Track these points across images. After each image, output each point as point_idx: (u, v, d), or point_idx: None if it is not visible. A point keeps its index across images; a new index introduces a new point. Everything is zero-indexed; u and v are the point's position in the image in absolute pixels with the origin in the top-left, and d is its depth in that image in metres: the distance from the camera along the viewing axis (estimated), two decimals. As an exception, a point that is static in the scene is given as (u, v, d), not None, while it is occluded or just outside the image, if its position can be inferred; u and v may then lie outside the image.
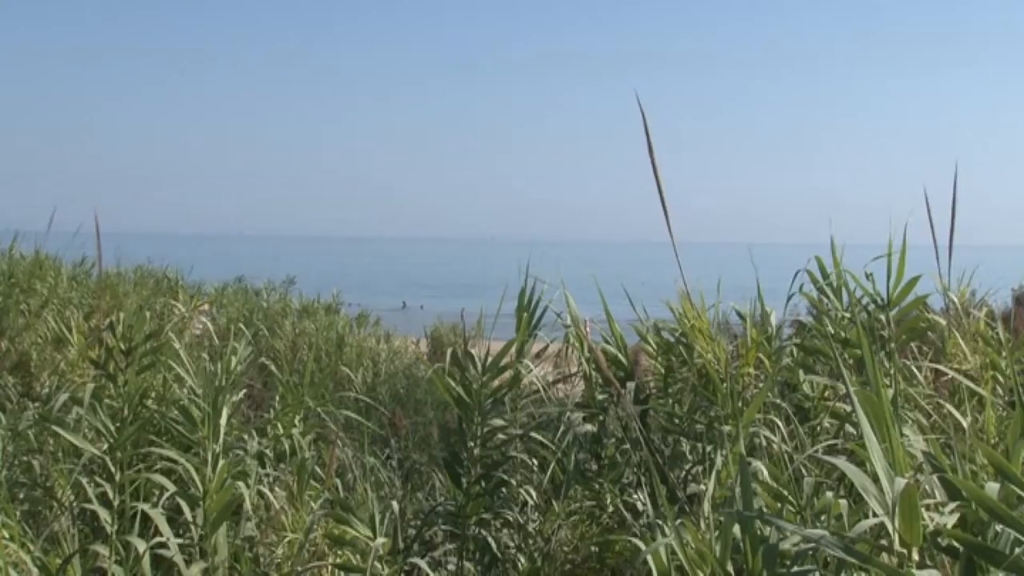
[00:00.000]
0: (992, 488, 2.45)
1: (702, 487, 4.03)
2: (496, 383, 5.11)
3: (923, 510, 2.49)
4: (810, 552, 2.66)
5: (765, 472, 3.45)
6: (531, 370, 5.16)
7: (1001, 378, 4.36)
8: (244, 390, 5.31)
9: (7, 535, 3.69)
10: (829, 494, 3.16)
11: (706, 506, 3.36)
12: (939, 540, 2.46)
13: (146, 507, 4.08)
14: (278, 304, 12.75)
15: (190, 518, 4.12)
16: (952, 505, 2.48)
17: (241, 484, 4.26)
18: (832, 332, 4.69)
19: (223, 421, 4.37)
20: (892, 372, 4.28)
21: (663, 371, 5.02)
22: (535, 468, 5.10)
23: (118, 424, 4.41)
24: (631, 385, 5.03)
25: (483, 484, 4.95)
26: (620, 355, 5.28)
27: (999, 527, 2.42)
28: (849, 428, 4.36)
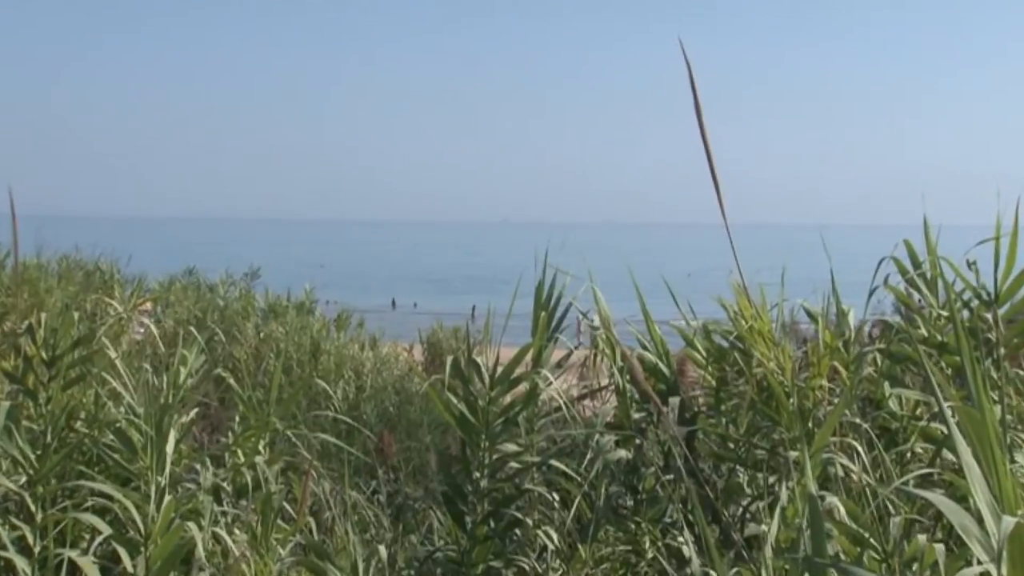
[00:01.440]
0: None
1: (763, 528, 4.02)
2: (508, 399, 5.11)
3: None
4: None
5: (842, 509, 3.44)
6: (551, 383, 5.16)
7: None
8: (196, 409, 5.32)
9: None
10: (922, 537, 3.15)
11: (768, 551, 3.35)
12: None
13: (74, 554, 4.09)
14: (238, 302, 12.79)
15: (129, 567, 4.13)
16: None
17: (192, 525, 4.27)
18: (925, 335, 4.66)
19: (170, 447, 4.38)
20: (1000, 384, 4.25)
21: (714, 384, 5.01)
22: (556, 504, 5.10)
23: (39, 452, 4.43)
24: (674, 401, 5.02)
25: (492, 524, 4.95)
26: (661, 364, 5.27)
27: None
28: (947, 455, 4.34)
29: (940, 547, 3.03)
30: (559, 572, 4.94)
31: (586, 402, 6.07)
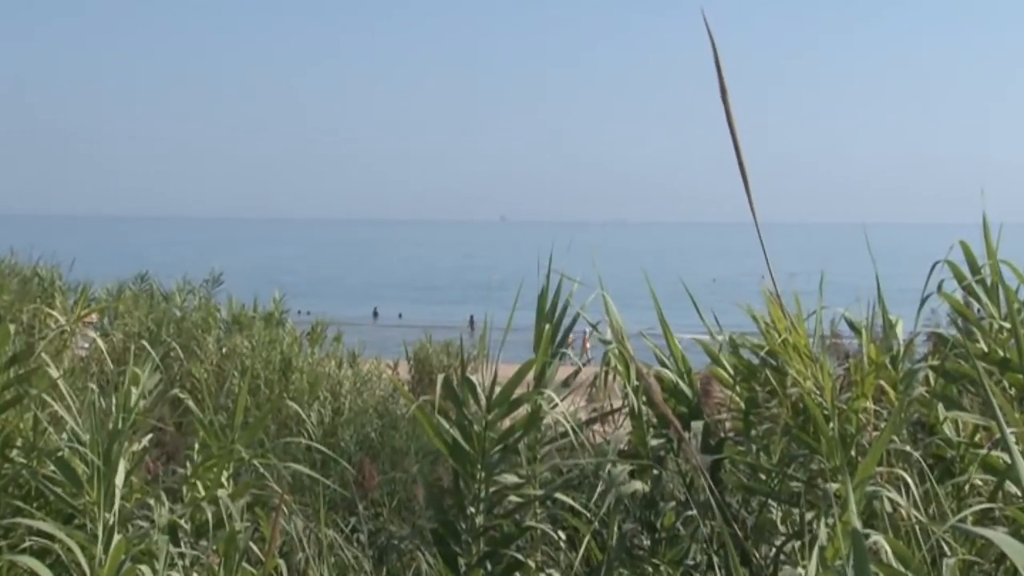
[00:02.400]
0: None
1: (799, 571, 4.02)
2: (507, 424, 5.10)
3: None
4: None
5: (889, 550, 3.44)
6: (555, 405, 5.16)
7: None
8: (149, 435, 5.32)
9: None
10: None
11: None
12: None
13: (11, 602, 4.09)
14: (198, 313, 12.79)
15: (74, 617, 4.13)
16: None
17: (145, 569, 4.28)
18: (985, 350, 4.67)
19: (119, 479, 4.39)
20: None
21: (743, 406, 5.01)
22: (562, 544, 5.10)
23: (-30, 484, 4.43)
24: (697, 426, 5.02)
25: (488, 567, 4.95)
26: (682, 383, 5.27)
27: None
28: (1010, 487, 4.34)
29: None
30: (566, 622, 4.95)
31: (596, 427, 6.06)
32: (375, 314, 73.17)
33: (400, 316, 71.21)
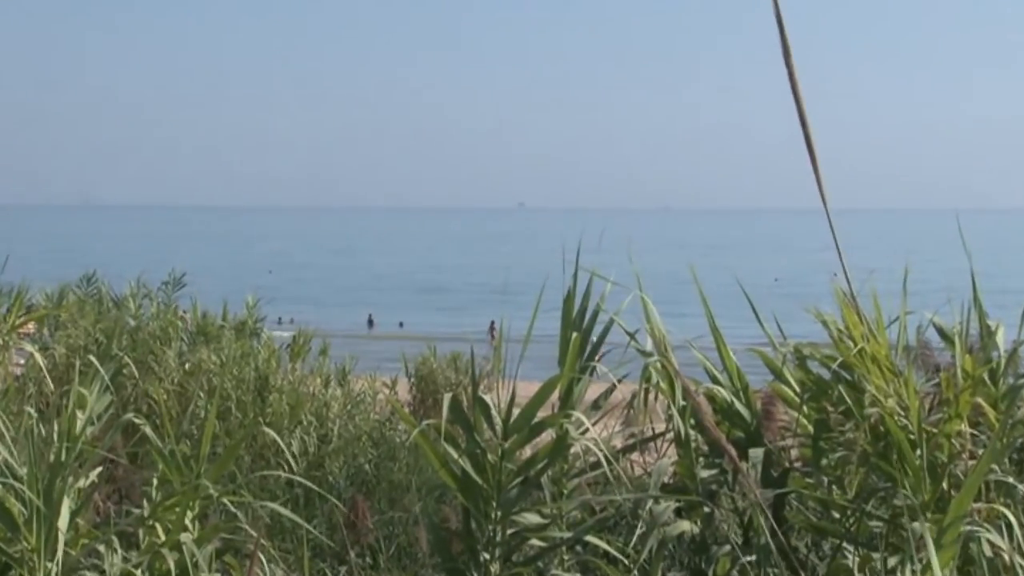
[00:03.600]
0: None
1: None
2: (527, 452, 5.09)
3: None
4: None
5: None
6: (586, 430, 5.14)
7: None
8: (99, 469, 5.32)
9: None
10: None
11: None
12: None
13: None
14: (156, 322, 12.79)
15: None
16: None
17: (94, 628, 4.27)
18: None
19: (63, 522, 4.38)
20: None
21: (811, 430, 5.00)
22: (594, 597, 5.09)
23: None
24: (757, 454, 5.01)
25: (505, 625, 4.95)
26: (738, 403, 5.26)
27: None
28: None
29: None
30: None
31: (635, 456, 6.05)
32: (370, 322, 73.13)
33: (401, 325, 71.17)
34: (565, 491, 5.34)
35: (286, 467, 8.18)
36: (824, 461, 4.96)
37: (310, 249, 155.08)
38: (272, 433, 8.25)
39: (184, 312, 13.77)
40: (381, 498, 7.77)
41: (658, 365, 5.37)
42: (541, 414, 5.12)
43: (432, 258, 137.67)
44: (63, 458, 4.59)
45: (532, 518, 5.06)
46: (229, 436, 8.25)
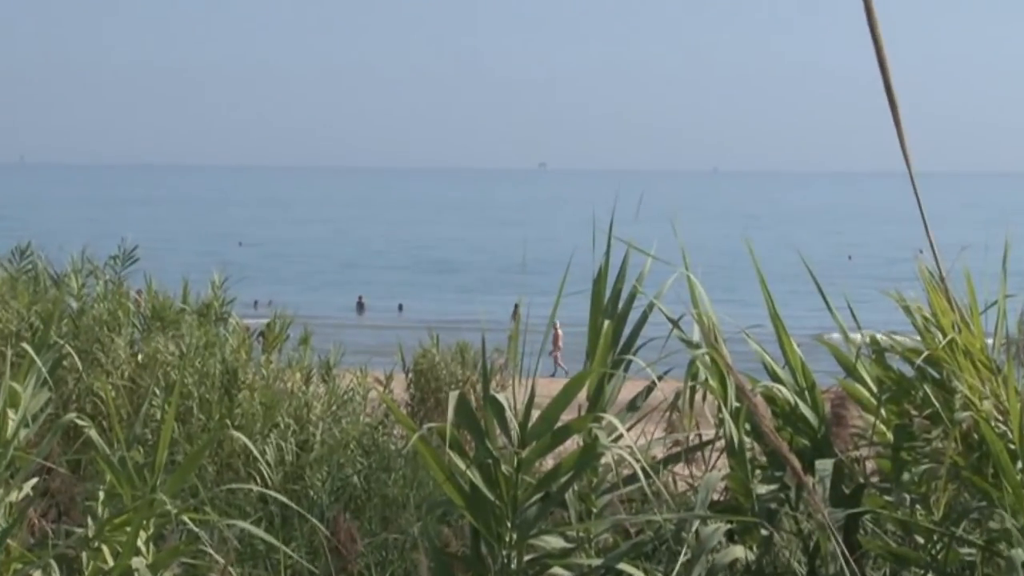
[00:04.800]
0: None
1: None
2: (548, 463, 5.09)
3: None
4: None
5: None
6: (619, 436, 5.14)
7: None
8: (34, 480, 5.33)
9: None
10: None
11: None
12: None
13: None
14: (103, 304, 12.82)
15: None
16: None
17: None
18: None
19: (-10, 543, 4.39)
20: None
21: (891, 437, 4.99)
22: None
23: None
24: (825, 467, 5.00)
25: (521, 670, 4.96)
26: (803, 405, 5.25)
27: None
28: None
29: None
30: None
31: (678, 468, 6.05)
32: (360, 306, 73.33)
33: (400, 309, 71.26)
34: (594, 509, 5.34)
35: (259, 479, 8.19)
36: (906, 475, 4.95)
37: (290, 217, 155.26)
38: (242, 438, 8.26)
39: (137, 292, 13.81)
40: (372, 517, 7.79)
41: (707, 359, 5.37)
42: (565, 417, 5.12)
43: (437, 229, 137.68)
44: (-9, 467, 4.61)
45: (554, 542, 5.07)
46: (190, 441, 8.28)
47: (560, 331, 43.57)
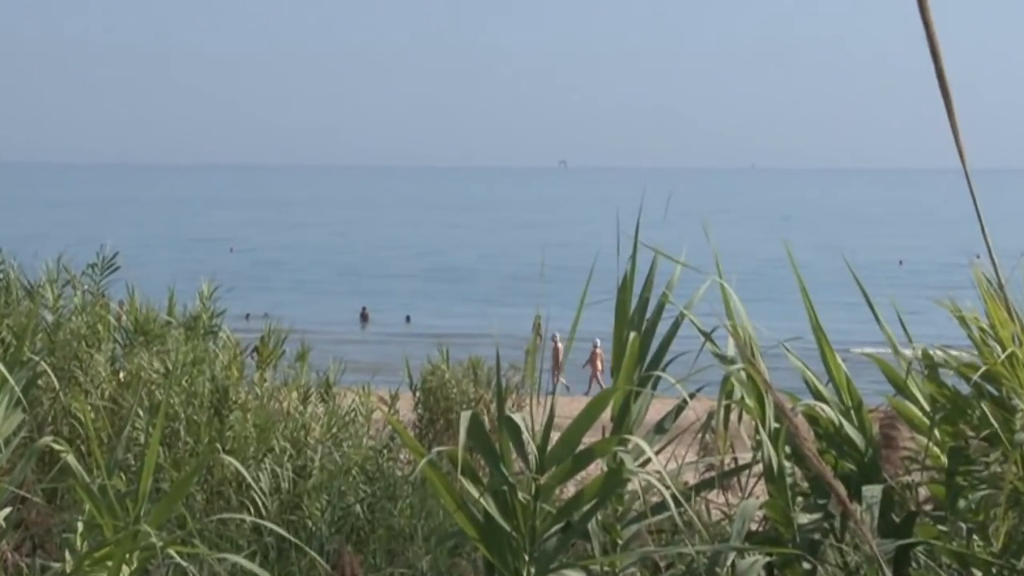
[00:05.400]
0: None
1: None
2: (570, 490, 5.08)
3: None
4: None
5: None
6: (647, 460, 5.13)
7: None
8: (7, 510, 5.33)
9: None
10: None
11: None
12: None
13: None
14: (81, 317, 12.84)
15: None
16: None
17: None
18: None
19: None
20: None
21: (945, 461, 4.97)
22: None
23: None
24: (873, 493, 4.99)
25: None
26: (848, 425, 5.23)
27: None
28: None
29: None
30: None
31: (712, 495, 6.04)
32: (363, 318, 73.36)
33: (408, 320, 71.31)
34: (620, 541, 5.34)
35: (252, 508, 8.19)
36: (962, 503, 4.93)
37: (286, 220, 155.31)
38: (234, 463, 8.27)
39: (118, 304, 13.83)
40: (377, 550, 7.79)
41: (742, 375, 5.35)
42: (588, 440, 5.12)
43: (447, 232, 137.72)
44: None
45: (576, 576, 5.06)
46: (177, 468, 8.28)
47: (600, 350, 43.58)
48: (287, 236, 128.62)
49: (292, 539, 6.64)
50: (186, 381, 10.33)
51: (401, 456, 9.49)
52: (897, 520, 5.08)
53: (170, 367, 10.62)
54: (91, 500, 5.44)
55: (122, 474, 5.87)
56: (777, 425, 5.22)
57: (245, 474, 8.23)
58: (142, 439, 8.39)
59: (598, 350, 44.97)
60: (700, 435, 5.87)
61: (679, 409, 5.49)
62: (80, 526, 5.44)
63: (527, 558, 5.03)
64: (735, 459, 5.82)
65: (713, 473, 5.93)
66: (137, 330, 12.47)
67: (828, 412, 5.30)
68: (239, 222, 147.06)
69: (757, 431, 5.37)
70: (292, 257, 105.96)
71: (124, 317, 13.02)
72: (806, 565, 5.20)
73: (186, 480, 5.62)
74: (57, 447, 6.34)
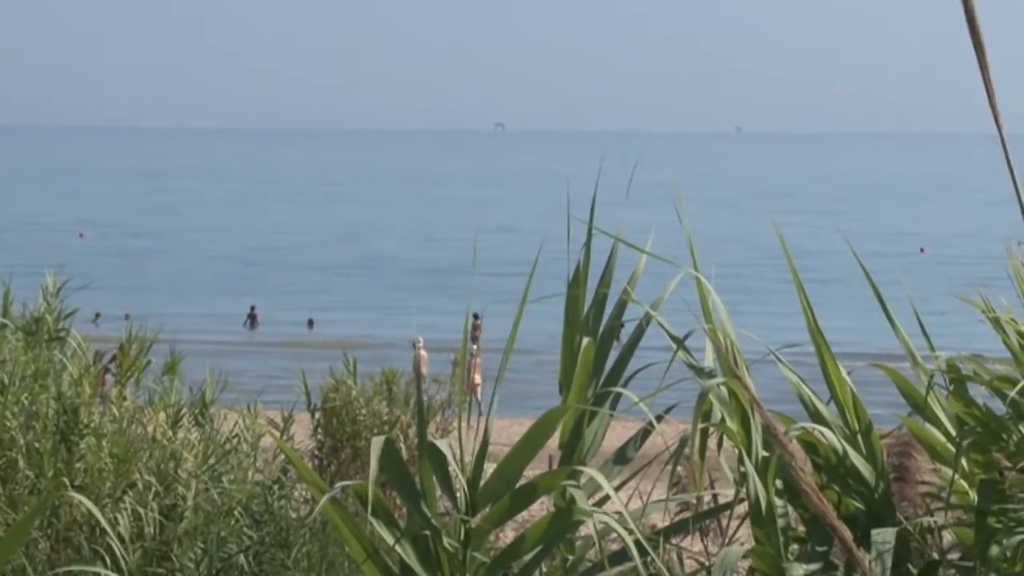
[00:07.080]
0: None
1: None
2: (508, 535, 5.11)
3: None
4: None
5: None
6: (604, 498, 5.15)
7: None
8: None
9: None
10: None
11: None
12: None
13: None
14: None
15: None
16: None
17: None
18: None
19: None
20: None
21: (974, 498, 5.00)
22: None
23: None
24: (885, 538, 5.02)
25: None
26: (854, 453, 5.26)
27: None
28: None
29: None
30: None
31: (686, 541, 6.06)
32: (251, 319, 73.29)
33: (310, 325, 71.35)
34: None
35: (108, 559, 8.19)
36: (995, 549, 4.96)
37: (156, 199, 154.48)
38: (85, 502, 8.27)
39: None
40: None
41: (723, 391, 5.37)
42: (530, 472, 5.13)
43: (361, 211, 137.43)
44: None
45: (515, 643, 5.08)
46: (14, 508, 8.26)
47: (424, 351, 42.76)
48: (156, 217, 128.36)
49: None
50: (25, 399, 10.30)
51: (296, 493, 9.50)
52: (915, 571, 5.11)
53: (5, 382, 10.60)
54: None
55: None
56: (766, 454, 5.23)
57: (99, 516, 8.20)
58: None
59: (422, 351, 43.91)
60: (671, 466, 5.88)
61: (644, 434, 5.49)
62: None
63: (455, 619, 5.04)
64: (714, 496, 5.84)
65: (687, 514, 5.95)
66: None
67: (829, 437, 5.31)
68: (92, 198, 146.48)
69: (741, 461, 5.37)
70: (159, 243, 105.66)
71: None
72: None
73: (25, 523, 5.62)
74: None
